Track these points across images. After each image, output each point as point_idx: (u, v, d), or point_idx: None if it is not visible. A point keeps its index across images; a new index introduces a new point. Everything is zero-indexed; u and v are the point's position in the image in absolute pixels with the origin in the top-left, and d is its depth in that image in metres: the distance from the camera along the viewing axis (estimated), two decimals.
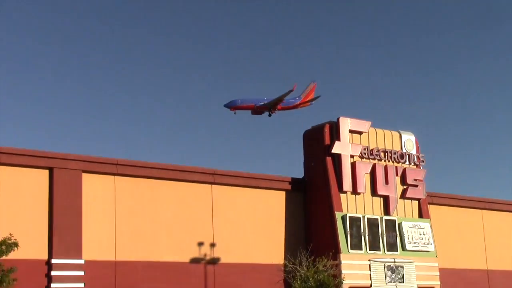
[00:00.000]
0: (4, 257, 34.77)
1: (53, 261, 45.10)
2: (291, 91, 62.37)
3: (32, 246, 42.39)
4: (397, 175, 58.11)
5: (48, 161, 46.54)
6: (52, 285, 44.82)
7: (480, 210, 66.20)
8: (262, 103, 64.98)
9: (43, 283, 44.65)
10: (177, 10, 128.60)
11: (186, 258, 50.25)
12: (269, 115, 65.53)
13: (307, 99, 66.55)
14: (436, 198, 61.93)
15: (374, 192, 56.80)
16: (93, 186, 47.65)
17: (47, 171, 46.35)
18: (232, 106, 65.95)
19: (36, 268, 43.87)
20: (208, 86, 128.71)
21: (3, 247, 34.69)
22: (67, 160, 47.20)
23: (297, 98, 66.35)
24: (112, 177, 48.78)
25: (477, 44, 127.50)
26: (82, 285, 45.47)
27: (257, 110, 65.42)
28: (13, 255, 35.41)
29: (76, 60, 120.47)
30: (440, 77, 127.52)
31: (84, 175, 47.48)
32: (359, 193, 55.94)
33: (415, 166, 59.44)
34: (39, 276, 44.21)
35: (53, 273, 44.96)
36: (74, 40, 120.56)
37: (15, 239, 35.23)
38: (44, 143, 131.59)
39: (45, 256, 45.07)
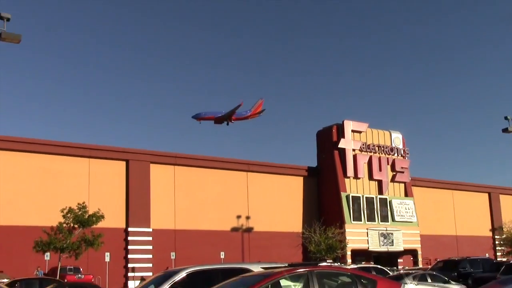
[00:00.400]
0: (94, 226, 35.39)
1: (129, 229, 45.83)
2: (239, 106, 60.36)
3: (114, 218, 42.97)
4: (388, 164, 57.95)
5: (125, 155, 47.33)
6: (129, 246, 45.55)
7: (451, 191, 65.80)
8: (220, 115, 61.98)
9: (122, 245, 45.34)
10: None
11: (227, 227, 50.64)
12: (227, 124, 62.82)
13: (256, 112, 64.06)
14: (418, 181, 61.70)
15: (370, 177, 56.70)
16: (158, 173, 48.26)
17: (124, 162, 47.07)
18: (197, 117, 62.80)
19: (117, 234, 44.61)
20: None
21: (94, 218, 35.29)
22: (139, 154, 47.99)
23: (248, 111, 64.10)
24: (172, 166, 49.34)
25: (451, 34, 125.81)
26: (151, 247, 46.12)
27: (217, 121, 62.71)
28: (100, 225, 36.03)
29: (138, 62, 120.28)
30: (424, 76, 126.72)
31: (152, 165, 48.13)
32: (359, 178, 55.87)
33: (402, 157, 59.21)
34: (119, 240, 44.95)
35: (129, 238, 45.71)
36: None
37: (102, 213, 35.83)
38: (121, 141, 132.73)
39: (123, 225, 45.80)
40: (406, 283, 22.76)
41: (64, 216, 34.74)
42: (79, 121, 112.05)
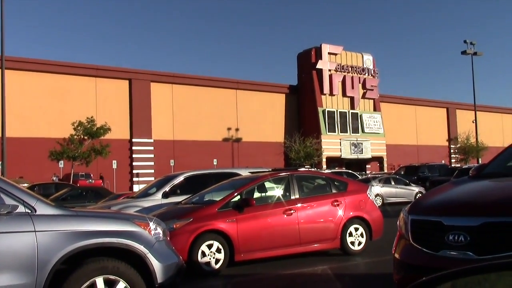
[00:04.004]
0: (102, 137, 35.45)
1: (134, 140, 46.03)
2: None
3: (119, 130, 43.12)
4: (359, 83, 57.75)
5: (128, 74, 46.75)
6: (133, 155, 45.90)
7: (414, 106, 66.00)
8: None
9: (127, 154, 45.69)
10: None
11: (219, 138, 50.99)
12: None
13: None
14: (385, 98, 61.74)
15: (344, 94, 56.64)
16: (158, 91, 47.87)
17: (127, 81, 46.54)
18: None
19: (123, 144, 44.83)
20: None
21: (101, 130, 35.30)
22: (141, 74, 47.37)
23: None
24: (170, 85, 48.88)
25: None
26: (152, 155, 46.49)
27: None
28: (108, 136, 36.12)
29: None
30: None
31: (152, 84, 47.66)
32: (334, 95, 55.84)
33: (372, 77, 58.93)
34: (124, 150, 45.24)
35: (133, 147, 45.98)
36: None
37: (109, 126, 35.80)
38: (125, 61, 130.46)
39: (128, 137, 45.95)
40: (373, 185, 23.32)
41: (74, 129, 34.74)
42: (87, 44, 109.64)
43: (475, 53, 45.86)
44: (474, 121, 48.86)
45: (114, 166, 41.09)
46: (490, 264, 1.53)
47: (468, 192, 4.62)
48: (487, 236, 3.71)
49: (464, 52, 45.89)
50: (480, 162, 49.35)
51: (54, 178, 38.11)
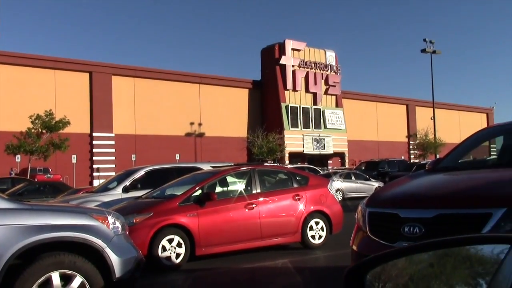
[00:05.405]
0: (61, 131, 34.69)
1: (94, 134, 45.22)
2: None
3: (79, 124, 42.27)
4: (322, 79, 58.26)
5: (88, 67, 45.80)
6: (94, 150, 45.12)
7: (375, 102, 66.88)
8: None
9: (87, 149, 44.87)
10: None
11: (182, 133, 50.61)
12: None
13: None
14: (347, 94, 62.47)
15: (307, 90, 57.07)
16: (119, 84, 47.11)
17: (88, 74, 45.64)
18: None
19: (82, 138, 44.00)
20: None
21: (60, 124, 34.53)
22: (102, 67, 46.50)
23: None
24: (132, 78, 48.17)
25: None
26: (113, 150, 45.81)
27: None
28: (67, 130, 35.36)
29: None
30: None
31: (113, 77, 46.87)
32: (297, 91, 56.19)
33: (334, 73, 59.55)
34: (84, 144, 44.42)
35: (94, 142, 45.19)
36: None
37: (68, 119, 35.05)
38: (85, 54, 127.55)
39: (88, 131, 45.11)
40: (334, 180, 23.62)
41: (32, 122, 33.84)
42: (45, 35, 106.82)
43: (434, 52, 46.88)
44: (433, 118, 49.99)
45: (74, 160, 40.28)
46: (418, 245, 1.60)
47: (423, 185, 4.74)
48: (441, 228, 3.81)
49: (423, 51, 46.85)
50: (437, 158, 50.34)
51: (12, 172, 37.09)
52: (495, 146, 8.29)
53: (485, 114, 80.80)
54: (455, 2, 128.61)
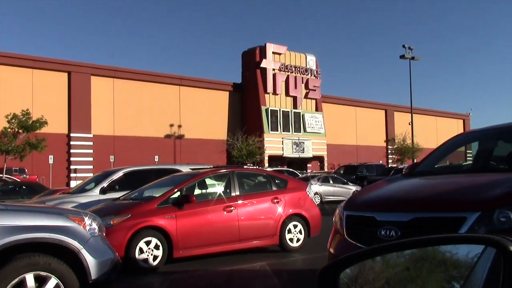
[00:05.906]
0: (38, 131, 34.31)
1: (72, 134, 44.68)
2: None
3: (57, 124, 41.73)
4: (302, 83, 58.47)
5: (67, 67, 45.26)
6: (71, 150, 44.60)
7: (354, 107, 67.27)
8: None
9: (64, 149, 44.32)
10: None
11: (161, 134, 50.33)
12: None
13: None
14: (327, 98, 62.76)
15: (287, 93, 57.21)
16: (98, 85, 46.63)
17: (66, 74, 45.11)
18: None
19: (60, 139, 43.42)
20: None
21: (37, 124, 34.17)
22: (80, 67, 46.00)
23: None
24: (111, 79, 47.74)
25: None
26: (91, 151, 45.34)
27: None
28: (44, 130, 34.97)
29: None
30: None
31: (92, 77, 46.37)
32: (277, 94, 56.31)
33: (314, 77, 59.81)
34: (62, 144, 43.83)
35: (71, 142, 44.66)
36: None
37: (45, 119, 34.69)
38: (64, 53, 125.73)
39: (66, 131, 44.56)
40: (312, 184, 23.70)
41: (8, 122, 33.43)
42: (24, 34, 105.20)
43: (412, 58, 47.52)
44: (411, 123, 50.61)
45: (51, 161, 39.72)
46: (392, 244, 1.61)
47: (400, 189, 4.80)
48: (417, 231, 3.85)
49: (402, 57, 47.46)
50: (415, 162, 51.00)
51: None
52: (471, 151, 8.44)
53: (462, 120, 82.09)
54: (434, 10, 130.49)
